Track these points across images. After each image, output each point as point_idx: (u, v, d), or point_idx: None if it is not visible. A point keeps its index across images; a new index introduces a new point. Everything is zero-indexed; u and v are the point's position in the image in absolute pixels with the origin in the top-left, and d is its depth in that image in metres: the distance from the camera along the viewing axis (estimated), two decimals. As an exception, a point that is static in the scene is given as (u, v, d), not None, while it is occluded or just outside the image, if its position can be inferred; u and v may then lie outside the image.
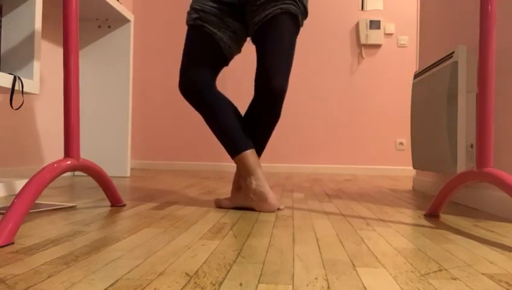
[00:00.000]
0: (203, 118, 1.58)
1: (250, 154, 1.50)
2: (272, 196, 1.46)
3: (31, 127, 2.52)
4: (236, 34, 1.56)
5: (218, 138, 1.55)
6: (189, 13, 1.57)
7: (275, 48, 1.49)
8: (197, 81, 1.51)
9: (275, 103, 1.51)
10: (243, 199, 1.50)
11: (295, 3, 1.50)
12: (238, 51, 1.61)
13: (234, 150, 1.51)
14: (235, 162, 1.53)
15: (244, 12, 1.57)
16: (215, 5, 1.52)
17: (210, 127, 1.55)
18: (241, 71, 4.05)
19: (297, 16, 1.52)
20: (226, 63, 1.59)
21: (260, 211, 1.47)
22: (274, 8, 1.49)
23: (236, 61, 4.05)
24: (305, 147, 4.02)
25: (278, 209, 1.52)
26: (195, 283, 0.69)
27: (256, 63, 1.54)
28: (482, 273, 0.77)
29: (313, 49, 4.03)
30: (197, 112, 4.08)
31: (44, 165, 2.61)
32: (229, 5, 1.54)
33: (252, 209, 1.50)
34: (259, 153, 1.61)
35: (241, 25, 1.58)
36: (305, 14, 1.57)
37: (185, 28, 4.10)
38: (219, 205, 1.55)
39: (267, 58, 1.49)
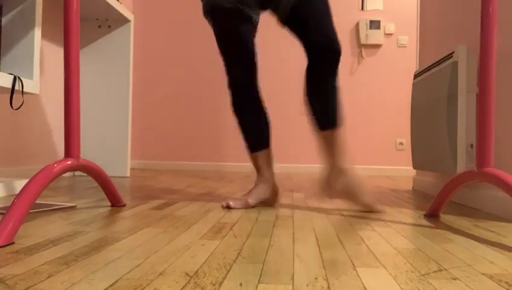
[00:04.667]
0: (234, 110, 1.65)
1: (260, 156, 1.63)
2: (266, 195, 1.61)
3: (31, 127, 2.52)
4: (257, 9, 1.58)
5: (242, 132, 1.65)
6: None
7: (325, 19, 1.54)
8: (246, 81, 1.59)
9: (335, 65, 1.54)
10: (263, 193, 1.59)
11: None
12: None
13: (250, 148, 1.63)
14: (250, 157, 1.64)
15: None
16: None
17: (238, 121, 1.64)
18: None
19: None
20: (254, 34, 1.62)
21: (275, 205, 1.61)
22: None
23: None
24: (305, 147, 4.02)
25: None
26: (195, 283, 0.69)
27: (305, 37, 1.54)
28: (482, 273, 0.77)
29: (313, 49, 4.03)
30: (198, 112, 4.08)
31: (45, 165, 2.61)
32: None
33: (266, 203, 1.61)
34: (334, 124, 1.54)
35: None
36: None
37: (185, 27, 4.10)
38: (241, 205, 1.54)
39: (323, 22, 1.53)
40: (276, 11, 1.61)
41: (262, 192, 1.59)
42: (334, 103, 1.54)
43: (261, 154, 1.62)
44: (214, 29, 1.58)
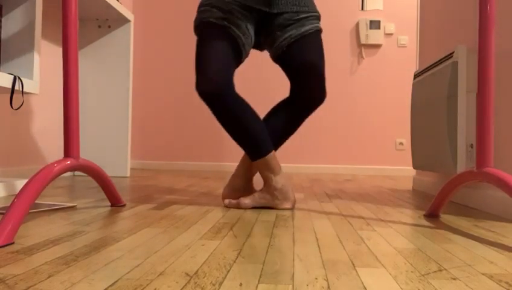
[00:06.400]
0: (219, 121, 1.52)
1: (273, 155, 1.55)
2: (293, 193, 1.56)
3: (31, 127, 2.52)
4: (252, 42, 1.57)
5: (238, 141, 1.53)
6: (207, 10, 1.51)
7: (319, 62, 1.57)
8: (221, 81, 1.45)
9: (313, 109, 1.62)
10: (268, 199, 1.52)
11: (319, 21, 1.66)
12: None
13: (259, 153, 1.52)
14: (258, 164, 1.54)
15: (267, 23, 1.57)
16: (242, 11, 1.51)
17: (229, 129, 1.51)
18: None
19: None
20: (237, 66, 1.58)
21: (280, 208, 1.53)
22: (312, 26, 1.58)
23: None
24: (305, 147, 4.02)
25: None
26: (195, 283, 0.69)
27: (297, 75, 1.57)
28: (482, 273, 0.77)
29: (313, 49, 4.03)
30: (198, 112, 4.08)
31: (44, 165, 2.61)
32: (257, 12, 1.54)
33: (271, 207, 1.54)
34: (276, 148, 1.66)
35: (255, 34, 1.60)
36: None
37: (185, 27, 4.10)
38: (236, 205, 1.53)
39: (313, 72, 1.56)
40: (270, 47, 1.61)
41: (263, 197, 1.53)
42: (291, 134, 1.65)
43: (274, 154, 1.54)
44: (199, 39, 1.53)
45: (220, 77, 1.46)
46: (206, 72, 1.47)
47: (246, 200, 1.52)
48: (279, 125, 1.60)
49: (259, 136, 1.51)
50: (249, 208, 1.53)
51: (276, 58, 1.61)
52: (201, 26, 1.53)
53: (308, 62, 1.55)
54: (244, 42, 1.52)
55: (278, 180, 1.53)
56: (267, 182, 1.53)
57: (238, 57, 1.53)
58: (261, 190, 1.54)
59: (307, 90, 1.57)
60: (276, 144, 1.63)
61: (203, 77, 1.47)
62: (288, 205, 1.53)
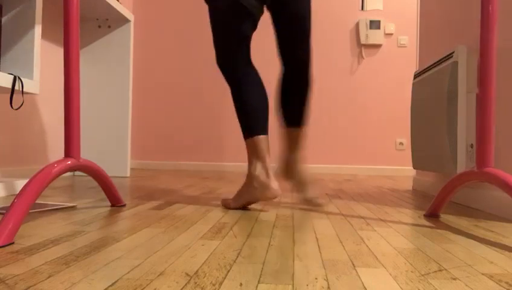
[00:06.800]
0: (231, 93, 1.56)
1: (264, 141, 1.50)
2: (274, 182, 1.45)
3: (31, 127, 2.52)
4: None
5: (238, 116, 1.54)
6: None
7: (303, 15, 1.56)
8: (233, 56, 1.52)
9: (306, 70, 1.61)
10: (246, 192, 1.47)
11: None
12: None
13: (250, 131, 1.50)
14: (247, 145, 1.51)
15: None
16: None
17: (235, 103, 1.55)
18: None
19: None
20: (255, 29, 1.58)
21: (263, 200, 1.47)
22: None
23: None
24: (305, 147, 4.02)
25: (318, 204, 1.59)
26: (195, 283, 0.69)
27: (282, 29, 1.58)
28: (482, 273, 0.77)
29: (313, 49, 4.03)
30: (198, 112, 4.08)
31: (45, 165, 2.61)
32: None
33: (255, 202, 1.48)
34: (303, 123, 1.65)
35: None
36: None
37: (185, 27, 4.10)
38: (227, 206, 1.52)
39: (296, 26, 1.56)
40: None
41: (244, 191, 1.48)
42: (307, 102, 1.64)
43: (264, 139, 1.50)
44: (209, 12, 1.56)
45: (232, 50, 1.52)
46: (221, 46, 1.54)
47: (231, 202, 1.51)
48: (290, 102, 1.62)
49: (255, 114, 1.50)
50: (237, 209, 1.50)
51: (268, 6, 1.60)
52: (212, 2, 1.54)
53: (295, 12, 1.55)
54: (255, 3, 1.51)
55: (257, 167, 1.46)
56: (248, 167, 1.50)
57: (251, 19, 1.53)
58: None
59: (291, 42, 1.57)
60: (298, 119, 1.63)
61: (218, 50, 1.55)
62: (269, 195, 1.43)
